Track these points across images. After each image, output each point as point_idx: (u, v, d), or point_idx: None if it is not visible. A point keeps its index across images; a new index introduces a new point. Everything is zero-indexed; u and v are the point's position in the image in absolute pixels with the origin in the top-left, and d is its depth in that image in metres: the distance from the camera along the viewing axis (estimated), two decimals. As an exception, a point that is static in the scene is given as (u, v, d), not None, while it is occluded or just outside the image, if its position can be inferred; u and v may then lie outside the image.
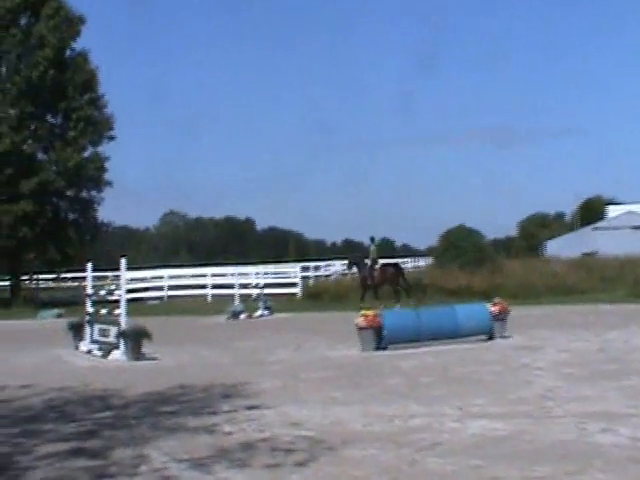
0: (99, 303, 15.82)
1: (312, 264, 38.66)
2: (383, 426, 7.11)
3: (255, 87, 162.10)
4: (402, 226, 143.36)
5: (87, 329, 14.77)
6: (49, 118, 33.41)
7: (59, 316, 25.18)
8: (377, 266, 23.98)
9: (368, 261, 23.80)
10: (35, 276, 37.32)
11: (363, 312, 13.55)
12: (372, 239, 24.93)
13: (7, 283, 35.19)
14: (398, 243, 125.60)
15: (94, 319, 14.72)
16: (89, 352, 14.02)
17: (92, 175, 32.77)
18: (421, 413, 7.62)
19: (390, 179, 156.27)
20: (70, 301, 30.47)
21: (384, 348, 13.17)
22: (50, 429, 7.31)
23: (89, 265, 15.57)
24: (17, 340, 17.51)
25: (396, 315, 14.31)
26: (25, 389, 9.79)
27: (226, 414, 7.86)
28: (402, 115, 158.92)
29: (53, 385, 10.02)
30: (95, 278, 17.32)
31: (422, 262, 43.54)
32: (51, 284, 43.26)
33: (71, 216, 34.23)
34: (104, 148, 33.77)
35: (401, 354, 12.46)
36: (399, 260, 35.90)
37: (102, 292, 16.11)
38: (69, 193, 33.28)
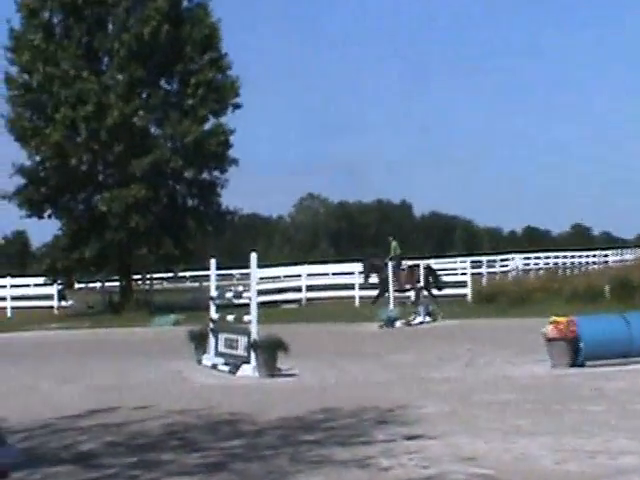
0: (225, 308, 16.33)
1: (485, 258, 38.17)
2: (582, 465, 6.93)
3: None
4: (602, 211, 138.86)
5: (211, 339, 15.29)
6: (163, 84, 34.74)
7: (177, 323, 26.23)
8: (404, 266, 25.50)
9: (389, 261, 24.80)
10: (148, 275, 38.92)
11: (553, 319, 13.26)
12: (393, 236, 27.05)
13: (117, 283, 36.94)
14: (596, 231, 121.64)
15: (219, 327, 15.21)
16: (214, 367, 14.51)
17: (214, 152, 33.64)
18: (633, 450, 7.36)
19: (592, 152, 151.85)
20: (189, 305, 31.65)
21: (581, 365, 12.86)
22: (170, 459, 7.62)
23: (212, 262, 16.07)
24: (129, 351, 18.38)
25: (597, 323, 13.89)
26: (141, 411, 10.26)
27: (381, 444, 7.91)
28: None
29: (173, 407, 10.45)
30: (220, 277, 17.89)
31: (629, 255, 42.04)
32: (167, 285, 45.09)
33: (190, 202, 35.43)
34: (228, 119, 34.71)
35: (604, 373, 12.09)
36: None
37: (228, 294, 16.62)
38: (187, 174, 34.37)
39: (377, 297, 25.94)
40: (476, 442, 7.88)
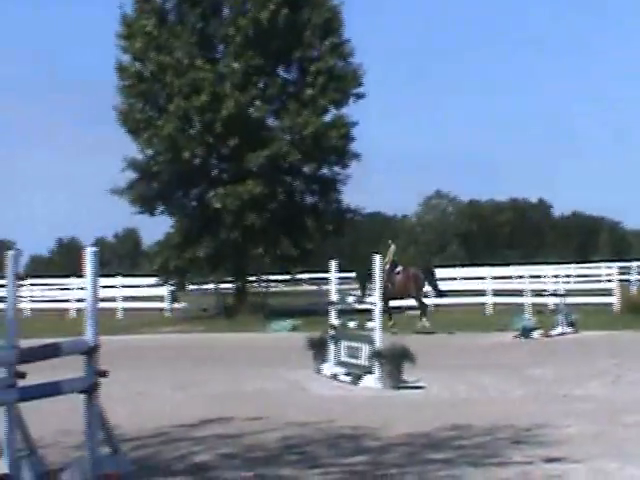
0: (346, 313, 16.38)
1: (634, 264, 37.20)
2: None
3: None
4: None
5: (331, 347, 15.37)
6: (281, 72, 35.08)
7: (294, 329, 26.50)
8: (398, 269, 25.62)
9: (387, 264, 24.66)
10: (264, 277, 39.38)
11: None
12: (392, 239, 27.39)
13: (231, 285, 37.51)
14: None
15: (340, 334, 15.28)
16: (334, 377, 14.58)
17: (335, 146, 33.75)
18: None
19: None
20: (308, 310, 31.90)
21: None
22: (289, 475, 7.70)
23: (333, 263, 16.14)
24: (244, 358, 18.66)
25: None
26: (257, 422, 10.40)
27: (518, 466, 7.81)
28: None
29: (291, 418, 10.55)
30: (340, 280, 17.96)
31: None
32: (283, 287, 45.55)
33: (309, 199, 35.66)
34: (350, 110, 34.80)
35: None
36: None
37: (350, 299, 16.67)
38: (306, 169, 34.61)
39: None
40: (626, 468, 7.69)
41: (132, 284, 40.93)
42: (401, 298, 26.40)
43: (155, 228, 66.33)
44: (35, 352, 7.84)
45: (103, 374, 7.87)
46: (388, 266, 25.35)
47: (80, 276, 32.62)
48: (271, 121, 34.78)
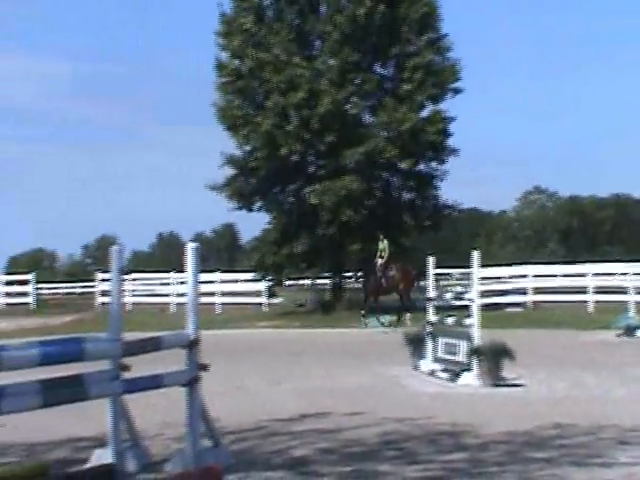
0: (444, 310, 16.29)
1: None
2: None
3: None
4: None
5: (429, 343, 15.30)
6: (377, 68, 35.05)
7: (390, 325, 26.46)
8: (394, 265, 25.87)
9: (379, 260, 25.35)
10: (361, 273, 39.39)
11: None
12: (383, 234, 27.44)
13: (327, 281, 37.64)
14: None
15: (438, 331, 15.20)
16: (432, 373, 14.52)
17: (432, 141, 33.59)
18: None
19: None
20: (404, 306, 31.79)
21: None
22: (387, 471, 7.68)
23: (430, 260, 16.07)
24: (341, 354, 18.71)
25: None
26: (354, 417, 10.41)
27: (623, 467, 7.66)
28: None
29: (388, 414, 10.53)
30: (437, 277, 17.87)
31: None
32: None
33: (406, 195, 35.56)
34: (447, 105, 34.59)
35: None
36: None
37: (447, 295, 16.58)
38: (403, 165, 34.43)
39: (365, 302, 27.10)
40: None
41: (230, 279, 41.37)
42: (389, 293, 27.13)
43: (252, 224, 67.05)
44: (138, 345, 7.99)
45: (204, 368, 7.98)
46: (381, 261, 25.64)
47: (180, 271, 33.28)
48: (367, 117, 34.82)
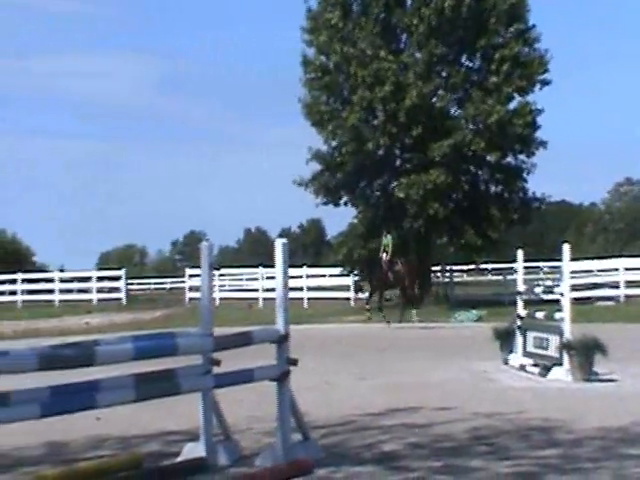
0: (533, 304, 16.09)
1: None
2: None
3: None
4: None
5: (518, 338, 15.14)
6: (464, 61, 34.83)
7: (479, 319, 26.27)
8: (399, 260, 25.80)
9: (383, 255, 25.12)
10: (448, 266, 39.24)
11: None
12: (388, 229, 27.20)
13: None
14: None
15: (528, 325, 15.03)
16: (522, 368, 14.37)
17: (520, 134, 33.27)
18: None
19: None
20: (492, 300, 31.52)
21: None
22: (478, 466, 7.61)
23: (519, 253, 15.89)
24: (428, 348, 18.63)
25: None
26: (444, 412, 10.35)
27: None
28: None
29: (478, 409, 10.45)
30: (526, 270, 17.66)
31: None
32: (467, 277, 45.25)
33: (493, 188, 35.31)
34: (535, 97, 34.20)
35: None
36: None
37: (537, 289, 16.38)
38: (490, 158, 34.24)
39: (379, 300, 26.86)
40: None
41: (317, 274, 41.51)
42: (394, 288, 27.03)
43: (339, 218, 67.15)
44: (229, 340, 8.07)
45: (294, 362, 8.01)
46: (386, 256, 25.40)
47: (267, 266, 33.53)
48: (454, 110, 34.74)
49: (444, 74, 34.04)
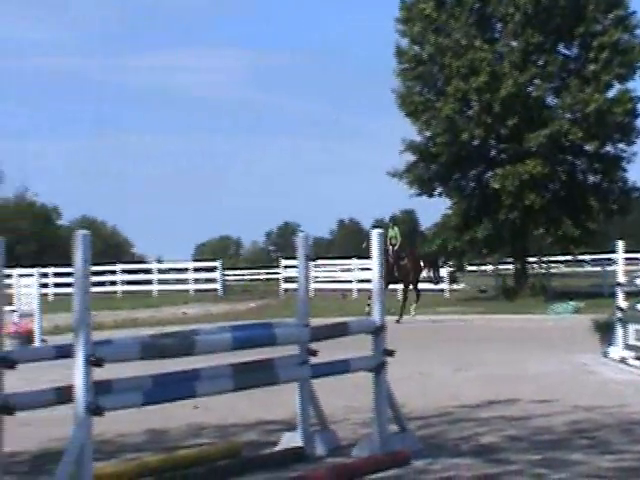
0: (634, 296, 15.75)
1: None
2: None
3: None
4: None
5: (619, 330, 14.84)
6: (561, 49, 34.28)
7: (577, 311, 25.83)
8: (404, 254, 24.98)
9: (390, 247, 24.10)
10: (545, 258, 38.72)
11: None
12: (392, 219, 26.78)
13: (510, 267, 37.14)
14: None
15: (629, 317, 14.72)
16: (622, 360, 14.09)
17: (619, 122, 32.62)
18: None
19: None
20: (591, 292, 30.98)
21: None
22: (578, 460, 7.49)
23: (619, 244, 15.60)
24: (525, 340, 18.36)
25: None
26: (542, 405, 10.21)
27: None
28: None
29: (578, 402, 10.28)
30: (625, 262, 17.32)
31: None
32: (564, 268, 44.51)
33: (591, 178, 34.72)
34: (635, 84, 33.51)
35: None
36: None
37: (638, 281, 16.04)
38: (588, 148, 33.65)
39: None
40: None
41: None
42: (398, 282, 25.77)
43: (432, 210, 66.85)
44: (325, 331, 8.09)
45: (390, 354, 7.99)
46: (392, 250, 24.66)
47: (361, 257, 33.46)
48: (551, 99, 34.22)
49: (540, 63, 33.53)
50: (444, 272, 36.57)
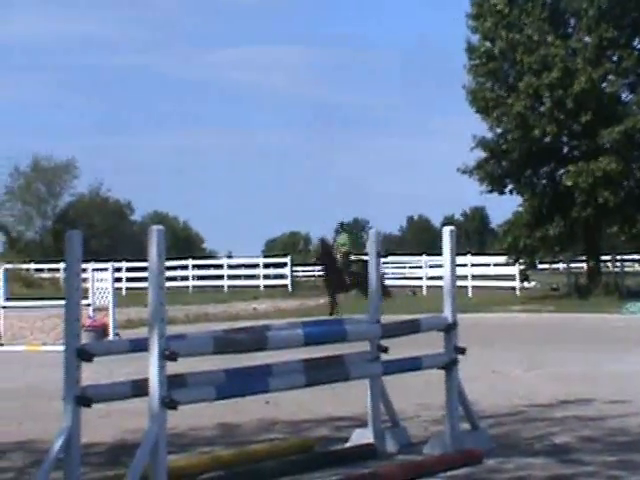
0: None
1: None
2: None
3: None
4: None
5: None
6: (636, 44, 33.72)
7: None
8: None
9: (338, 255, 23.23)
10: (619, 256, 38.17)
11: None
12: (341, 225, 24.36)
13: (583, 265, 36.66)
14: None
15: None
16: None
17: None
18: None
19: None
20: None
21: None
22: (654, 463, 7.36)
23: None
24: (598, 339, 18.13)
25: None
26: (618, 405, 10.05)
27: None
28: None
29: (654, 403, 10.11)
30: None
31: None
32: (638, 267, 43.86)
33: (668, 176, 34.07)
34: None
35: None
36: None
37: None
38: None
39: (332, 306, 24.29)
40: None
41: (481, 262, 41.08)
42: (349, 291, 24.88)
43: (503, 206, 66.35)
44: (397, 327, 8.08)
45: (462, 351, 7.94)
46: (341, 256, 23.82)
47: (431, 254, 33.30)
48: (625, 95, 33.69)
49: (615, 58, 33.01)
50: (509, 270, 36.22)
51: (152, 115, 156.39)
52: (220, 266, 48.52)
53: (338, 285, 24.54)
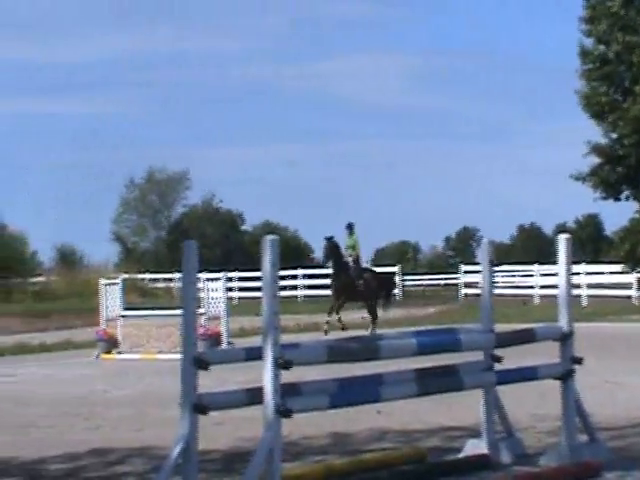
0: None
1: None
2: None
3: None
4: None
5: None
6: None
7: None
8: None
9: (349, 259, 22.05)
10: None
11: None
12: (350, 226, 22.58)
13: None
14: None
15: None
16: None
17: None
18: None
19: None
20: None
21: None
22: None
23: None
24: None
25: None
26: None
27: None
28: None
29: None
30: None
31: None
32: None
33: None
34: None
35: None
36: None
37: None
38: None
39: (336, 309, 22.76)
40: None
41: (596, 271, 40.26)
42: (358, 299, 23.45)
43: (618, 214, 64.79)
44: (511, 337, 7.99)
45: (578, 361, 7.81)
46: (352, 260, 22.43)
47: (543, 262, 32.82)
48: None
49: None
50: (625, 278, 35.39)
51: (261, 126, 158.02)
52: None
53: (349, 291, 22.92)
